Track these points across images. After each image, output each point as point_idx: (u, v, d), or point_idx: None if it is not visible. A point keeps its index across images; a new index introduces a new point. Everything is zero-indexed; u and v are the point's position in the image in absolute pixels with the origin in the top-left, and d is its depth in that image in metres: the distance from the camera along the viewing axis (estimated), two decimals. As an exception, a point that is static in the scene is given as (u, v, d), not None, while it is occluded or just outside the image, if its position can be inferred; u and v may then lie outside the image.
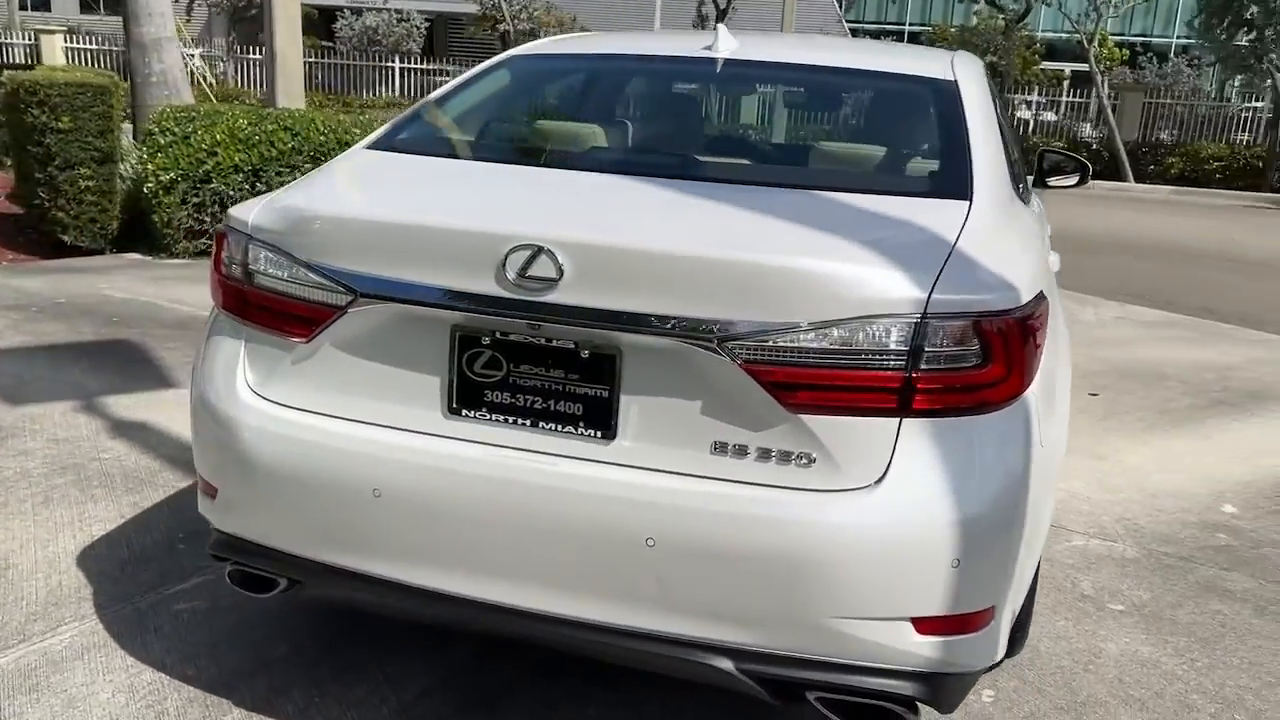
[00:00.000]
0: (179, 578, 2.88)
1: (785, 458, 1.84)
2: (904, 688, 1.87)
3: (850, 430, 1.81)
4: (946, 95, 2.61)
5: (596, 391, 1.91)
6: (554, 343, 1.92)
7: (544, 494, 1.89)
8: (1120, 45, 35.23)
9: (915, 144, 2.73)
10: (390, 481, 1.95)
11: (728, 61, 2.86)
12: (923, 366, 1.80)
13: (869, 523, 1.79)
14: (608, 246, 1.88)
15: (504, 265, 1.86)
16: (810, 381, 1.81)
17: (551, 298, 1.86)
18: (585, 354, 1.91)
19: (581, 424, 1.93)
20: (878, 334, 1.79)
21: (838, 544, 1.79)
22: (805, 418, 1.81)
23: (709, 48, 2.86)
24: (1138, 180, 19.26)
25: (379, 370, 2.02)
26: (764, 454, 1.84)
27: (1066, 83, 25.90)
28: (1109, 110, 19.75)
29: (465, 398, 1.97)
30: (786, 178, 2.54)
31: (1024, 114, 22.87)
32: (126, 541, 3.08)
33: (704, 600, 1.86)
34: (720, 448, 1.86)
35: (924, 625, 1.84)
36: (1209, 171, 19.49)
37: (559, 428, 1.94)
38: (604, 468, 1.90)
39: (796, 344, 1.80)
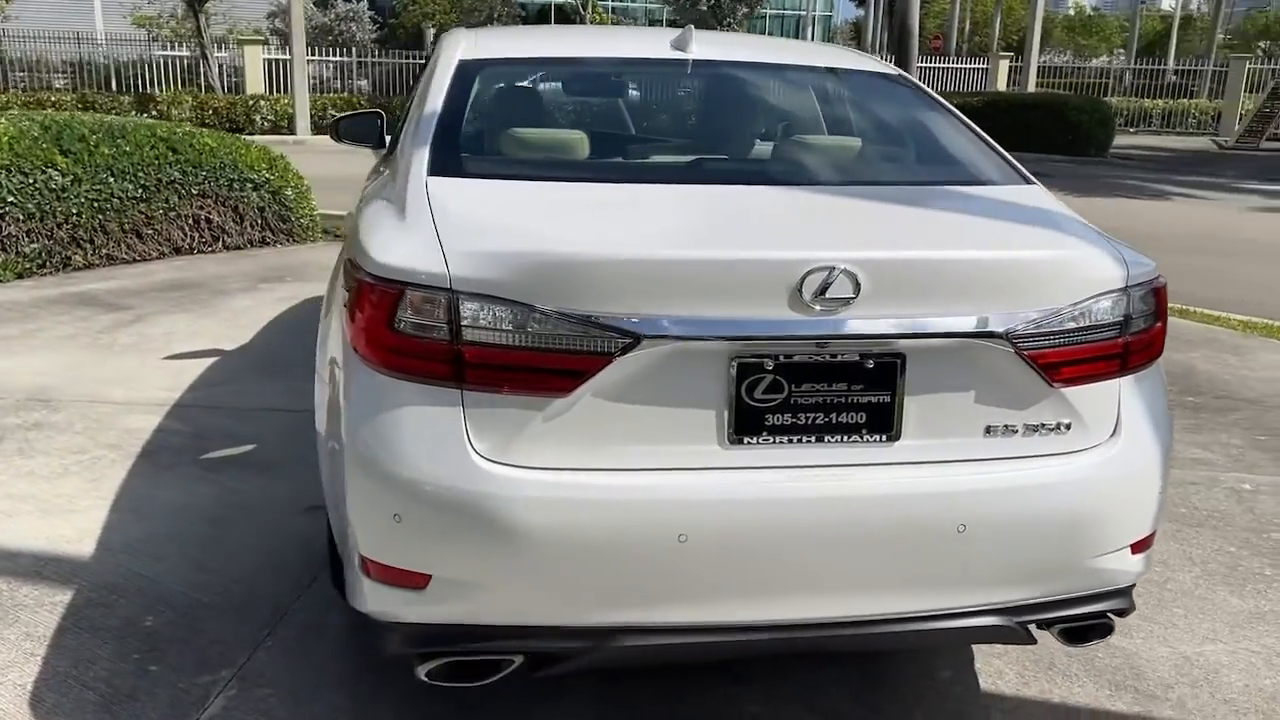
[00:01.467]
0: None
1: (1047, 429, 2.09)
2: (1121, 603, 2.22)
3: (1093, 395, 2.11)
4: (921, 90, 2.97)
5: (879, 398, 2.02)
6: (839, 357, 1.99)
7: (844, 505, 2.00)
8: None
9: (945, 136, 2.88)
10: (692, 522, 1.94)
11: (733, 64, 3.03)
12: (1131, 331, 2.12)
13: (1117, 470, 2.12)
14: (900, 260, 2.03)
15: (800, 288, 1.92)
16: (1068, 358, 2.07)
17: (846, 314, 1.94)
18: (870, 364, 2.00)
19: (865, 431, 2.02)
20: (1106, 308, 2.09)
21: (1100, 493, 2.11)
22: (1064, 390, 2.08)
23: (680, 48, 2.96)
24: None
25: (647, 412, 1.96)
26: (1030, 429, 2.08)
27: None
28: None
29: (746, 425, 1.99)
30: (903, 176, 2.73)
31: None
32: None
33: (998, 569, 2.07)
34: (991, 430, 2.07)
35: (1137, 547, 2.18)
36: None
37: (843, 438, 2.02)
38: (893, 469, 2.03)
39: (1058, 327, 2.05)
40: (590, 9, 20.68)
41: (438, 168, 2.38)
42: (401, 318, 1.96)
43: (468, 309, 1.92)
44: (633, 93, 3.05)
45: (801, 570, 2.00)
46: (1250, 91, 25.49)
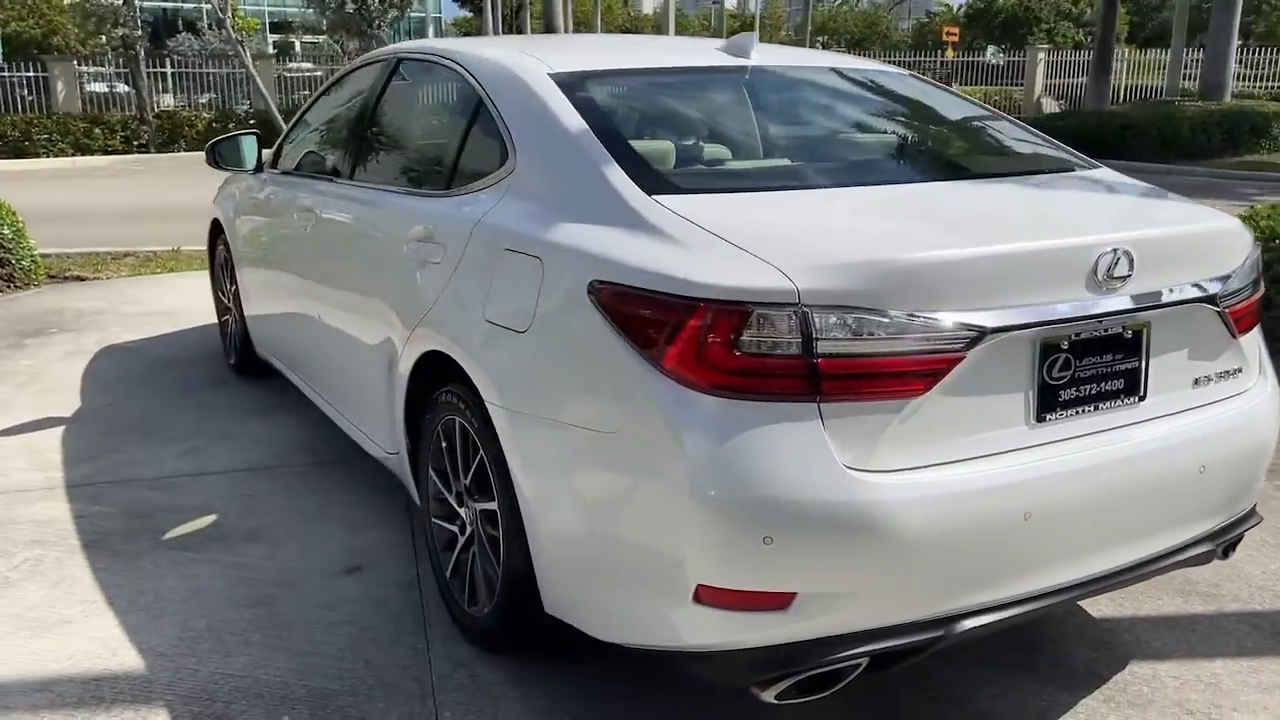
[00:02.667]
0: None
1: (1229, 375, 2.42)
2: (1256, 517, 2.57)
3: (1249, 342, 2.48)
4: (942, 86, 3.39)
5: (1131, 364, 2.25)
6: (1109, 331, 2.19)
7: (1127, 464, 2.19)
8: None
9: (1008, 127, 3.15)
10: (1031, 500, 2.06)
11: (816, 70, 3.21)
12: (1258, 290, 2.49)
13: (1274, 402, 2.50)
14: (1159, 238, 2.29)
15: (1094, 270, 2.11)
16: (1243, 312, 2.42)
17: (1123, 291, 2.16)
18: (1129, 334, 2.23)
19: (1123, 395, 2.25)
20: (1250, 266, 2.45)
21: (1269, 423, 2.48)
22: (1240, 340, 2.42)
23: (741, 55, 3.08)
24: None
25: (973, 403, 2.04)
26: (1220, 376, 2.40)
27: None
28: (259, 82, 19.60)
29: (1047, 403, 2.14)
30: (1021, 166, 2.93)
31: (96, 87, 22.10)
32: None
33: (1216, 501, 2.37)
34: (1198, 381, 2.36)
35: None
36: None
37: (1110, 405, 2.23)
38: (1147, 425, 2.27)
39: (1236, 286, 2.38)
40: (232, 14, 19.23)
41: (653, 186, 2.29)
42: (748, 338, 1.91)
43: (820, 322, 1.91)
44: (742, 100, 3.04)
45: (1102, 528, 2.18)
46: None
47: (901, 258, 1.99)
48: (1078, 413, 2.18)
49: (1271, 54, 26.04)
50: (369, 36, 21.81)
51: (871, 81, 3.28)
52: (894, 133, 3.09)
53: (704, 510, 1.93)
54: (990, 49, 40.80)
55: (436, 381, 2.80)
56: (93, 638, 2.80)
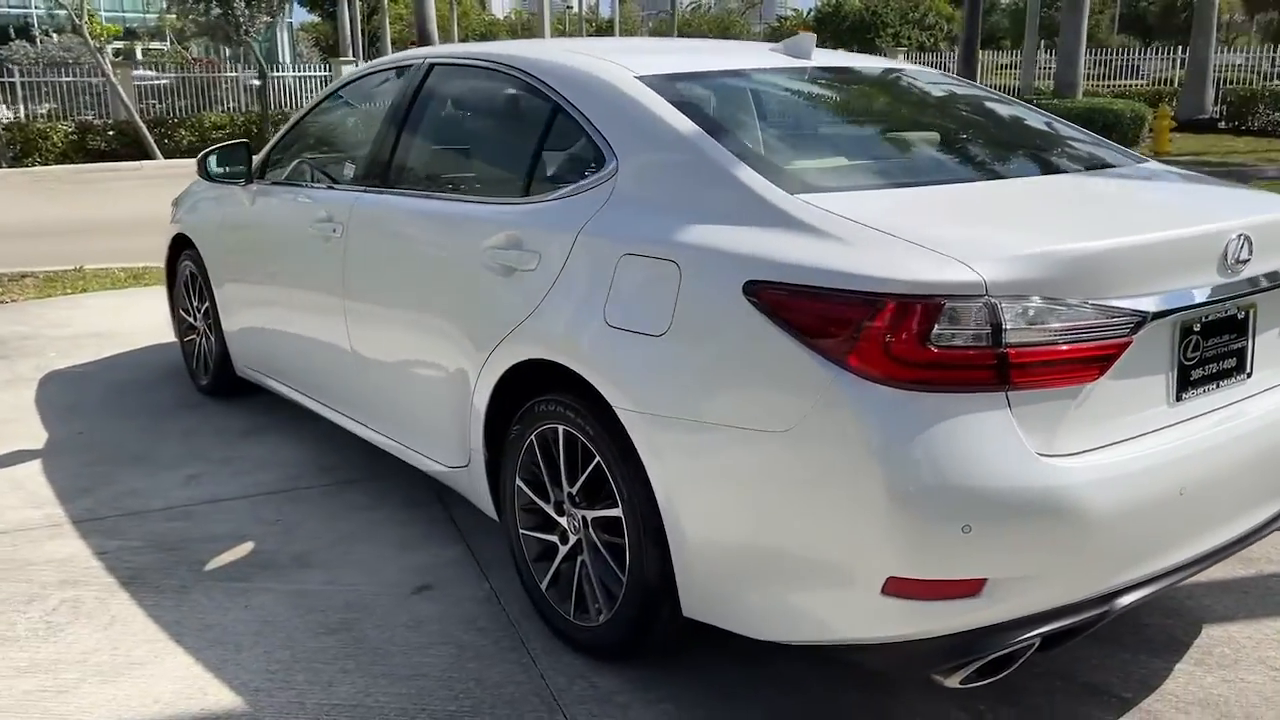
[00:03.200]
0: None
1: None
2: None
3: None
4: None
5: (1241, 343, 2.38)
6: (1228, 313, 2.32)
7: (1250, 438, 2.33)
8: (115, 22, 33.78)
9: (1047, 120, 3.28)
10: (1185, 476, 2.16)
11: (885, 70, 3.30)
12: None
13: None
14: (1274, 222, 2.38)
15: (1224, 255, 2.23)
16: None
17: (1245, 273, 2.28)
18: (1240, 315, 2.36)
19: (1234, 373, 2.37)
20: None
21: None
22: None
23: (803, 56, 3.14)
24: (166, 156, 18.88)
25: (1127, 385, 2.13)
26: None
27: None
28: (122, 91, 19.29)
29: (1183, 382, 2.26)
30: (1102, 159, 2.98)
31: None
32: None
33: None
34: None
35: None
36: (216, 140, 18.86)
37: (1226, 382, 2.35)
38: (1256, 399, 2.40)
39: None
40: (89, 19, 18.16)
41: (792, 185, 2.31)
42: (940, 331, 1.95)
43: (1008, 312, 1.96)
44: (829, 100, 3.06)
45: (1229, 499, 2.31)
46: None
47: (1076, 247, 2.07)
48: (1204, 391, 2.30)
49: (1108, 54, 27.78)
50: (237, 43, 21.02)
51: (929, 80, 3.38)
52: (980, 129, 3.18)
53: (901, 503, 1.96)
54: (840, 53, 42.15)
55: (527, 391, 2.76)
56: (175, 678, 2.65)
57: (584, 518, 2.64)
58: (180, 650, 2.78)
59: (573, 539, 2.70)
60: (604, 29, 61.11)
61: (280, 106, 22.56)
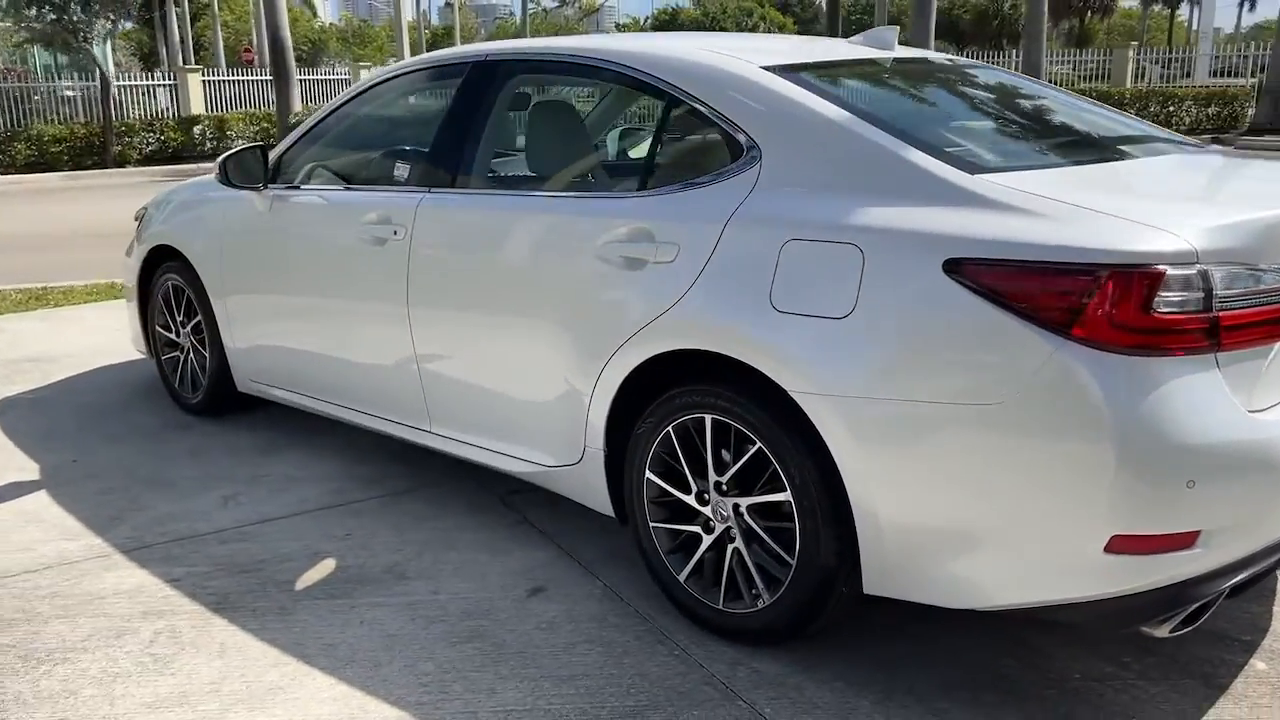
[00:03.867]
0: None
1: None
2: None
3: None
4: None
5: None
6: None
7: None
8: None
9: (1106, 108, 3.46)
10: None
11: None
12: None
13: None
14: None
15: None
16: None
17: None
18: None
19: None
20: None
21: None
22: None
23: (888, 47, 3.27)
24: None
25: None
26: None
27: None
28: None
29: None
30: (1178, 139, 3.13)
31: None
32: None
33: None
34: None
35: None
36: (56, 154, 19.14)
37: None
38: None
39: None
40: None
41: (967, 166, 2.41)
42: (1161, 298, 2.06)
43: (1217, 277, 2.10)
44: (934, 88, 3.12)
45: None
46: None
47: (1263, 215, 2.22)
48: None
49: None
50: (75, 50, 19.82)
51: (986, 71, 3.53)
52: (1072, 113, 3.30)
53: (1130, 463, 2.07)
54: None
55: (658, 384, 2.76)
56: (327, 699, 2.54)
57: (735, 505, 2.66)
58: (316, 671, 2.66)
59: (719, 527, 2.72)
60: (440, 36, 60.24)
61: (123, 116, 21.43)
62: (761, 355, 2.49)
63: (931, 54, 3.59)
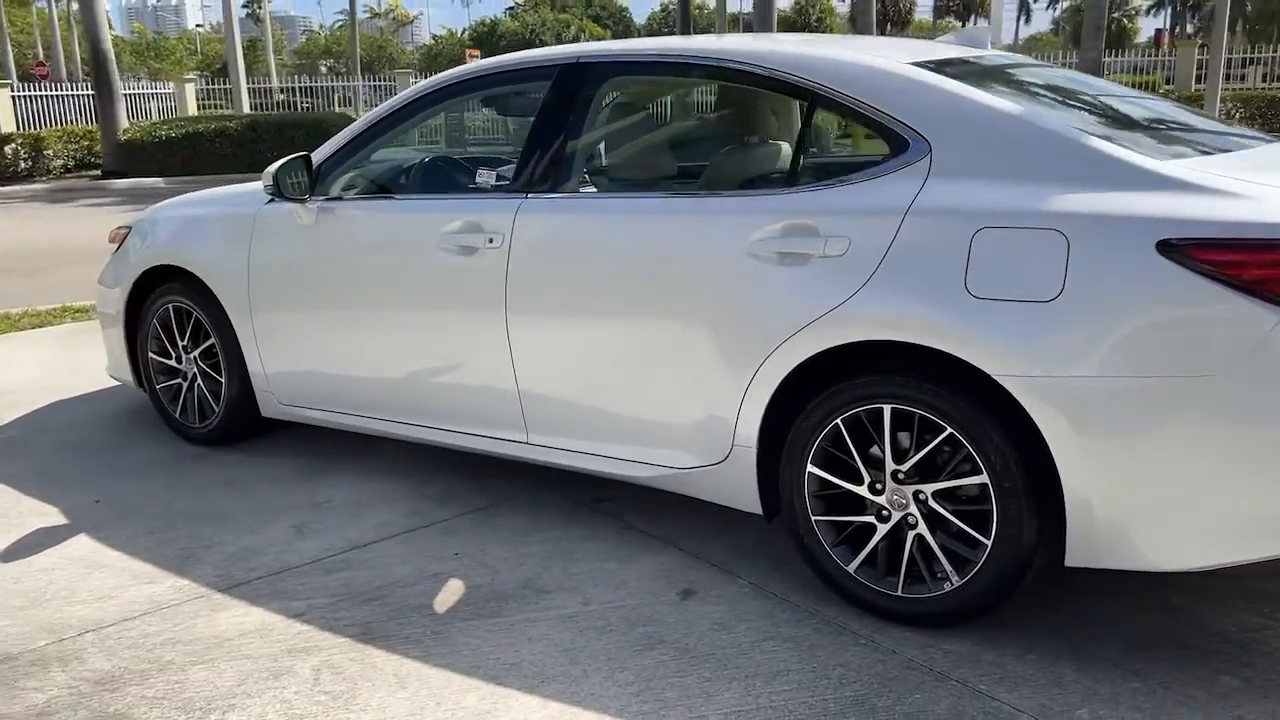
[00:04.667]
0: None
1: None
2: None
3: None
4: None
5: None
6: None
7: None
8: None
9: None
10: None
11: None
12: None
13: None
14: None
15: None
16: None
17: None
18: None
19: None
20: None
21: None
22: None
23: (980, 45, 3.41)
24: None
25: None
26: None
27: None
28: None
29: None
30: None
31: None
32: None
33: None
34: None
35: None
36: None
37: None
38: None
39: None
40: None
41: (1153, 154, 2.56)
42: None
43: None
44: (1053, 85, 3.22)
45: None
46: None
47: None
48: None
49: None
50: None
51: (1067, 71, 3.72)
52: (1162, 106, 3.50)
53: None
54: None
55: (821, 378, 2.80)
56: (542, 718, 2.46)
57: (917, 492, 2.73)
58: (515, 691, 2.57)
59: (895, 516, 2.77)
60: (248, 48, 57.99)
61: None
62: (961, 342, 2.56)
63: (1020, 56, 3.76)
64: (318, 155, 3.88)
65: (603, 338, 3.19)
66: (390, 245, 3.64)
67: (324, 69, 59.82)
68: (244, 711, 2.52)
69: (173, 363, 4.40)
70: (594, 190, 3.32)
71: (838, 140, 2.91)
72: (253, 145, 18.26)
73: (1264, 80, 25.56)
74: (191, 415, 4.40)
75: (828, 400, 2.80)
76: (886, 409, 2.71)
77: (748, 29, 36.32)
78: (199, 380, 4.33)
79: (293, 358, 3.98)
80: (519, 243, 3.29)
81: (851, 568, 2.86)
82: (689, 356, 3.02)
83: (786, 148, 3.08)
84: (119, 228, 4.66)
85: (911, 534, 2.76)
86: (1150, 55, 29.29)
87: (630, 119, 3.43)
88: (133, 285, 4.42)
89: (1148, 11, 67.12)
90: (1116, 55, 28.22)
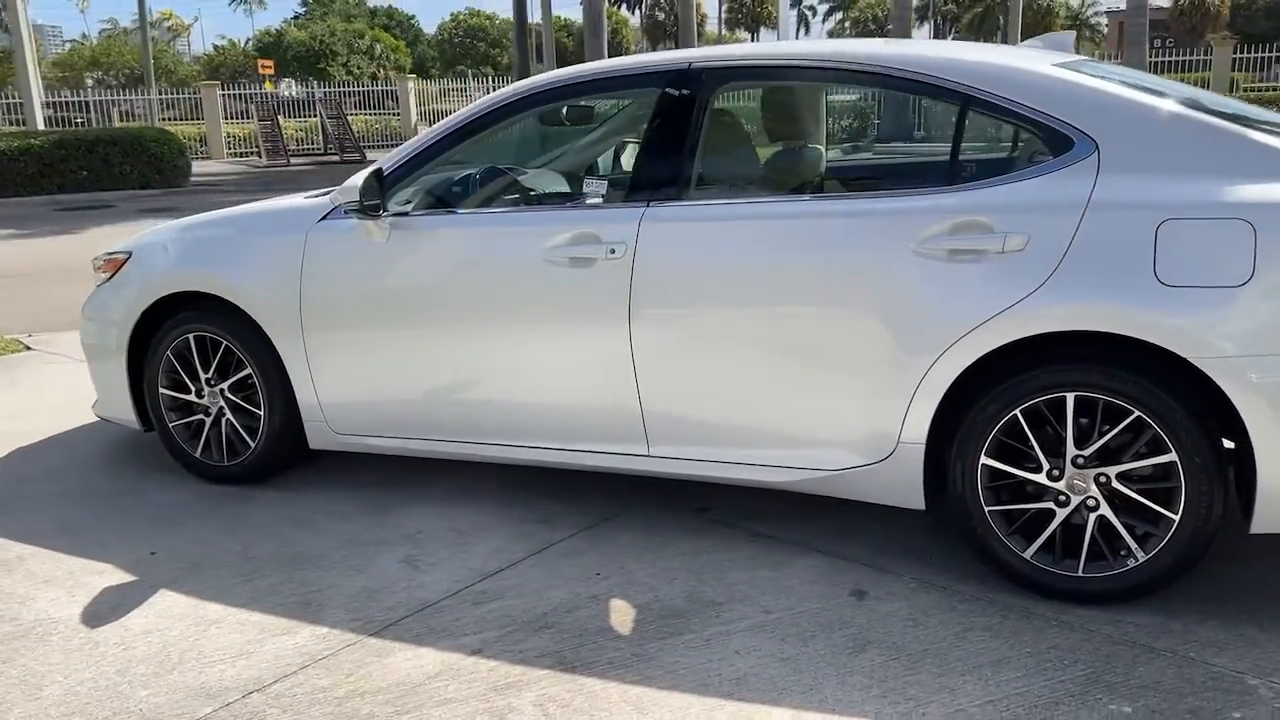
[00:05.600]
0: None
1: None
2: None
3: None
4: None
5: None
6: None
7: None
8: None
9: None
10: None
11: None
12: None
13: None
14: None
15: None
16: None
17: None
18: None
19: None
20: None
21: None
22: None
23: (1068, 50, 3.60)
24: None
25: None
26: None
27: None
28: None
29: None
30: None
31: None
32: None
33: None
34: None
35: None
36: None
37: None
38: None
39: None
40: None
41: None
42: None
43: None
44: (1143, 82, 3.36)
45: None
46: (228, 117, 27.39)
47: None
48: None
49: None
50: None
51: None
52: (1232, 102, 3.72)
53: None
54: (285, 81, 41.44)
55: (992, 371, 2.89)
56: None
57: (1099, 475, 2.85)
58: (760, 705, 2.52)
59: (1075, 499, 2.89)
60: (6, 52, 53.41)
61: None
62: (1155, 328, 2.70)
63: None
64: (385, 167, 3.66)
65: (744, 345, 3.16)
66: (485, 261, 3.49)
67: (91, 81, 55.98)
68: (495, 757, 2.37)
69: (191, 397, 4.05)
70: (727, 197, 3.29)
71: (1006, 139, 3.01)
72: (62, 164, 16.89)
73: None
74: (216, 453, 4.05)
75: (1005, 393, 2.89)
76: (1070, 397, 2.82)
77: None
78: (227, 414, 4.00)
79: (356, 384, 3.74)
80: (645, 252, 3.22)
81: (1028, 554, 2.95)
82: (848, 357, 3.04)
83: (938, 148, 3.16)
84: (108, 254, 4.24)
85: (1093, 516, 2.88)
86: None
87: (758, 125, 3.42)
88: (131, 323, 4.03)
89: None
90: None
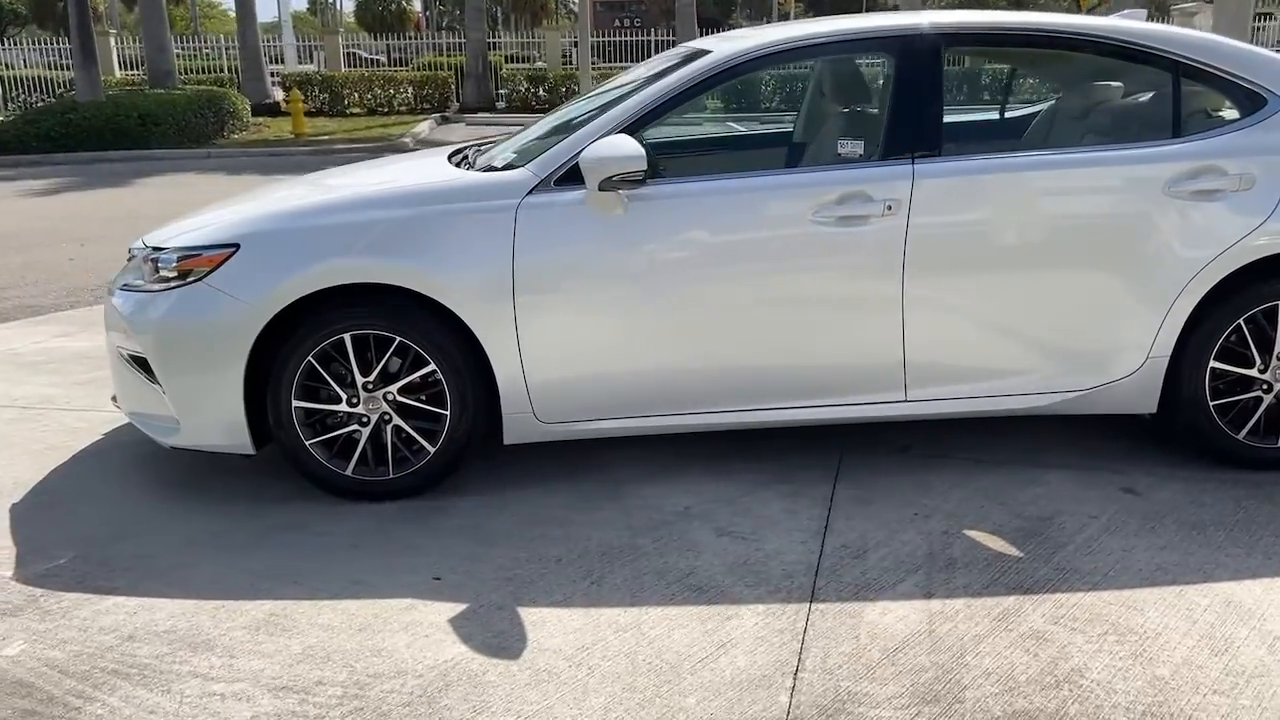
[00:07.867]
0: None
1: None
2: None
3: None
4: None
5: None
6: None
7: None
8: None
9: None
10: None
11: None
12: None
13: None
14: None
15: None
16: None
17: None
18: None
19: None
20: None
21: None
22: None
23: None
24: None
25: None
26: None
27: None
28: None
29: None
30: None
31: None
32: None
33: None
34: None
35: None
36: None
37: None
38: None
39: None
40: None
41: None
42: None
43: None
44: None
45: None
46: None
47: None
48: None
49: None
50: None
51: None
52: None
53: None
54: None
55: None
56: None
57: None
58: (1209, 583, 2.94)
59: (1278, 385, 3.62)
60: None
61: None
62: None
63: None
64: (587, 136, 3.43)
65: (1011, 288, 3.50)
66: (747, 225, 3.45)
67: None
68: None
69: (341, 407, 3.50)
70: (990, 151, 3.56)
71: (1213, 97, 3.62)
72: None
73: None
74: (374, 466, 3.55)
75: (1233, 303, 3.52)
76: (1287, 304, 3.53)
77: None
78: (394, 421, 3.52)
79: (582, 366, 3.49)
80: (920, 206, 3.43)
81: (1241, 436, 3.63)
82: (1108, 290, 3.50)
83: (1162, 105, 3.66)
84: (185, 249, 3.49)
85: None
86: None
87: (1001, 86, 3.70)
88: (261, 326, 3.40)
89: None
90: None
